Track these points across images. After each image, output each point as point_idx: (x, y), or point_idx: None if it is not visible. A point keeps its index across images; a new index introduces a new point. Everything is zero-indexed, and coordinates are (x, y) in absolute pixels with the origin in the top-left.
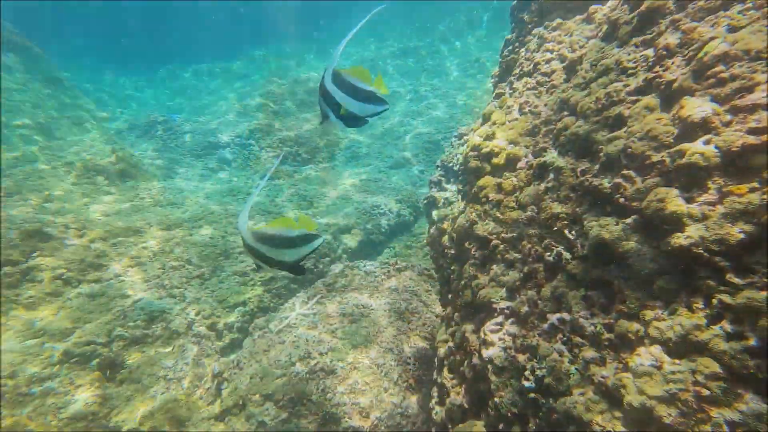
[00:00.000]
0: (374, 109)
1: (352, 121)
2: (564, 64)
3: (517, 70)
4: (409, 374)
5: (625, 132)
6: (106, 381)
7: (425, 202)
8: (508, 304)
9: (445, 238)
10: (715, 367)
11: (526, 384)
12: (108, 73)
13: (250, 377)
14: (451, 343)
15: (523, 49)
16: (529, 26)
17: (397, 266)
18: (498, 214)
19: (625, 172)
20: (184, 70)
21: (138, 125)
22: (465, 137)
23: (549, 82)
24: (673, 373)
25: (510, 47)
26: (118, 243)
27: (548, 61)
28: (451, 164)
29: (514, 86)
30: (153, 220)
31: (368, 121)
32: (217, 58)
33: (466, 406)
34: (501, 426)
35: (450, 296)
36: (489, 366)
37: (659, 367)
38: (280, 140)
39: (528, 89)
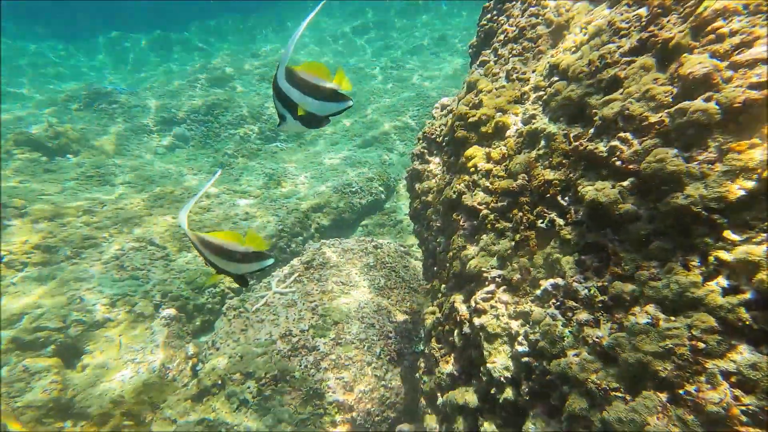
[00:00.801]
0: (336, 107)
1: (313, 121)
2: (550, 29)
3: (501, 37)
4: (391, 348)
5: (621, 94)
6: (64, 368)
7: (406, 176)
8: (500, 272)
9: (430, 210)
10: (711, 321)
11: (520, 349)
12: (33, 39)
13: (229, 357)
14: (438, 314)
15: (503, 17)
16: None
17: (373, 243)
18: (487, 184)
19: (621, 134)
20: (126, 39)
21: (77, 97)
22: (448, 108)
23: (535, 47)
24: (668, 329)
25: (488, 15)
26: (67, 223)
27: (533, 26)
28: (434, 136)
29: (499, 53)
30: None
31: (330, 120)
32: (163, 27)
33: (456, 374)
34: (493, 390)
35: (436, 269)
36: (481, 333)
37: (655, 325)
38: (240, 117)
39: (513, 55)
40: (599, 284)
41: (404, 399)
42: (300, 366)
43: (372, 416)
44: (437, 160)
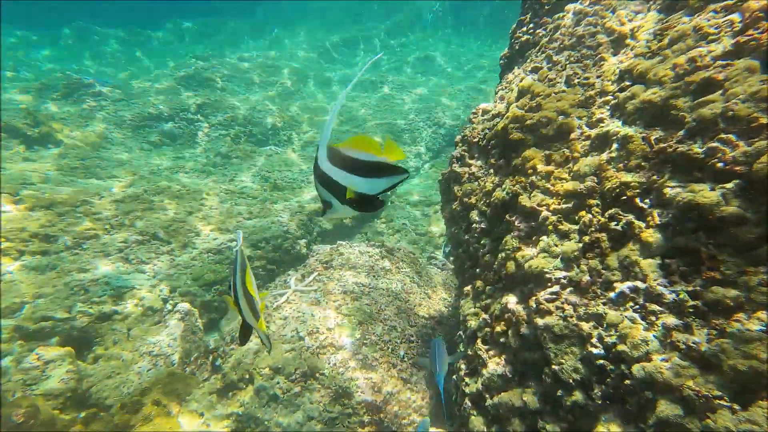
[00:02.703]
0: (388, 183)
1: (365, 204)
2: (611, 38)
3: (555, 45)
4: (414, 351)
5: (721, 95)
6: (77, 359)
7: (441, 179)
8: (565, 273)
9: (474, 213)
10: None
11: (594, 351)
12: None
13: (255, 352)
14: (485, 316)
15: (540, 29)
16: (546, 7)
17: (385, 247)
18: (548, 186)
19: (723, 135)
20: (92, 32)
21: (54, 86)
22: (491, 113)
23: (596, 54)
24: None
25: (524, 28)
26: (65, 213)
27: (593, 35)
28: (476, 139)
29: (554, 59)
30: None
31: (384, 201)
32: (134, 23)
33: (508, 375)
34: (559, 392)
35: (478, 270)
36: (545, 334)
37: None
38: (232, 118)
39: (572, 62)
40: (689, 288)
41: (429, 403)
42: (329, 364)
43: (399, 419)
44: (479, 163)
